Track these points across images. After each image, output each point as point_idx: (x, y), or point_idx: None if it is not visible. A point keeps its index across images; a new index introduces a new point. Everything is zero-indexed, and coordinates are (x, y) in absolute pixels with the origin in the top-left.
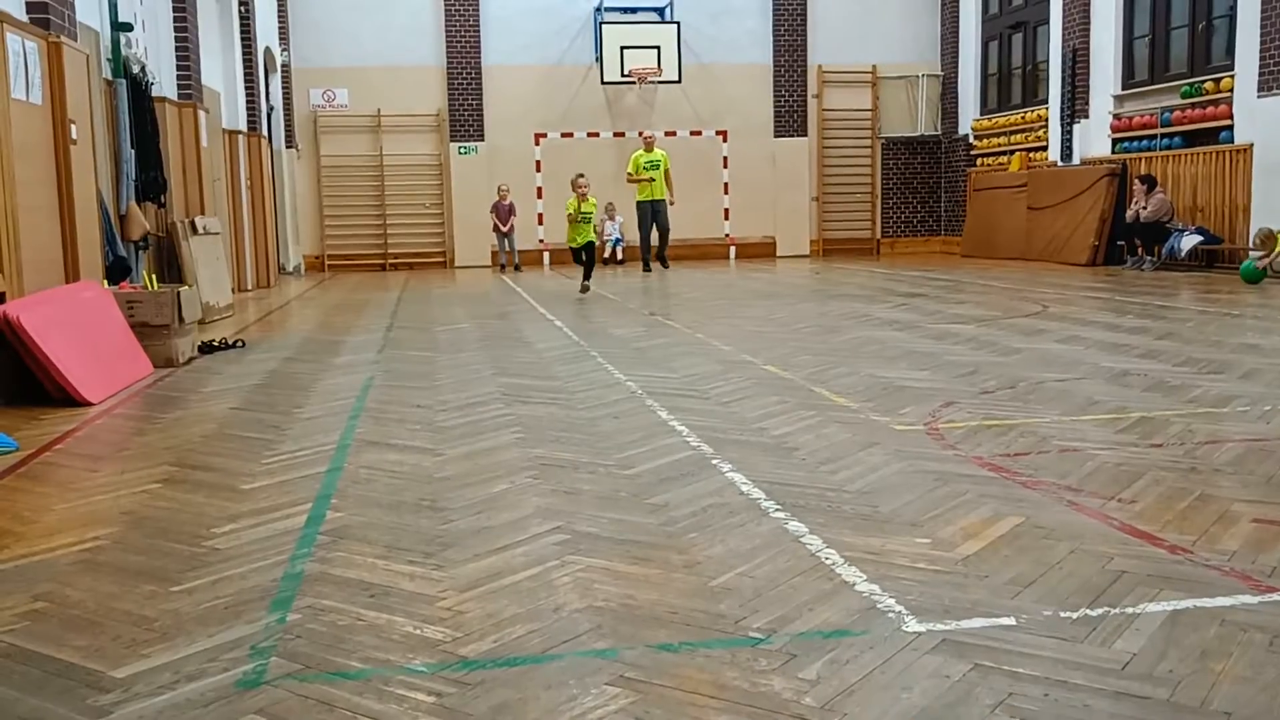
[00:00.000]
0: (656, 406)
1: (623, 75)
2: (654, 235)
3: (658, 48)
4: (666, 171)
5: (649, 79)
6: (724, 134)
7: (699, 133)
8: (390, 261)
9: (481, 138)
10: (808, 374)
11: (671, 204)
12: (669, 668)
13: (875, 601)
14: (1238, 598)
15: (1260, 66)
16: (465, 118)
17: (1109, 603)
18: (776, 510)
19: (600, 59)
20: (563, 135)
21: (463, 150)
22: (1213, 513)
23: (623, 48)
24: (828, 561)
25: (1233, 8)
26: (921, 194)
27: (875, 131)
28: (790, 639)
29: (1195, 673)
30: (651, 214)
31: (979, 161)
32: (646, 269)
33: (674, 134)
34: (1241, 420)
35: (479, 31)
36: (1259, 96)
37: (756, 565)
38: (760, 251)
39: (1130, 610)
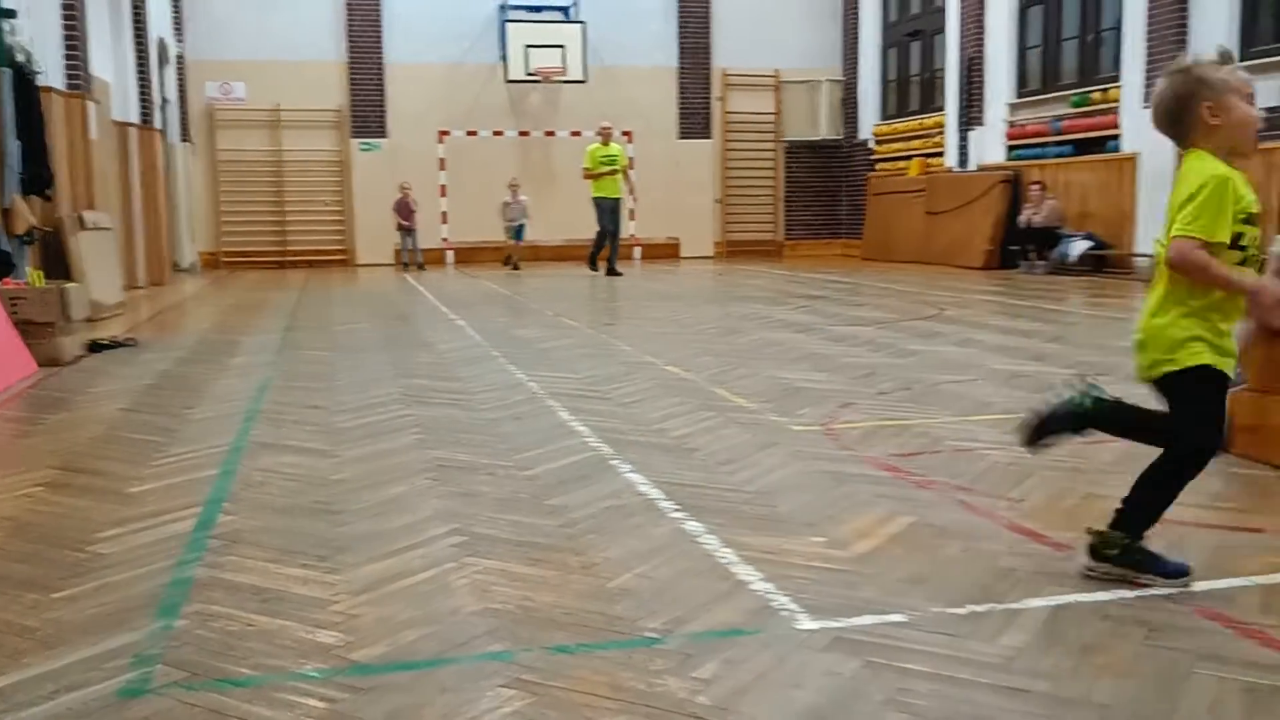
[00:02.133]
0: (557, 408)
1: (527, 74)
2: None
3: (563, 47)
4: (624, 168)
5: (554, 78)
6: (629, 135)
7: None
8: (289, 259)
9: (384, 134)
10: (709, 375)
11: (635, 201)
12: (565, 669)
13: (770, 601)
14: (1116, 592)
15: (1146, 78)
16: (367, 114)
17: (996, 599)
18: (675, 511)
19: (505, 57)
20: (467, 133)
21: (364, 147)
22: (1096, 510)
23: (527, 46)
24: (724, 561)
25: (1119, 21)
26: (823, 197)
27: (778, 135)
28: (686, 639)
29: (1076, 666)
30: (613, 211)
31: (879, 166)
32: (613, 271)
33: (579, 134)
34: None
35: (381, 27)
36: (1144, 107)
37: (654, 566)
38: (664, 253)
39: (1016, 606)
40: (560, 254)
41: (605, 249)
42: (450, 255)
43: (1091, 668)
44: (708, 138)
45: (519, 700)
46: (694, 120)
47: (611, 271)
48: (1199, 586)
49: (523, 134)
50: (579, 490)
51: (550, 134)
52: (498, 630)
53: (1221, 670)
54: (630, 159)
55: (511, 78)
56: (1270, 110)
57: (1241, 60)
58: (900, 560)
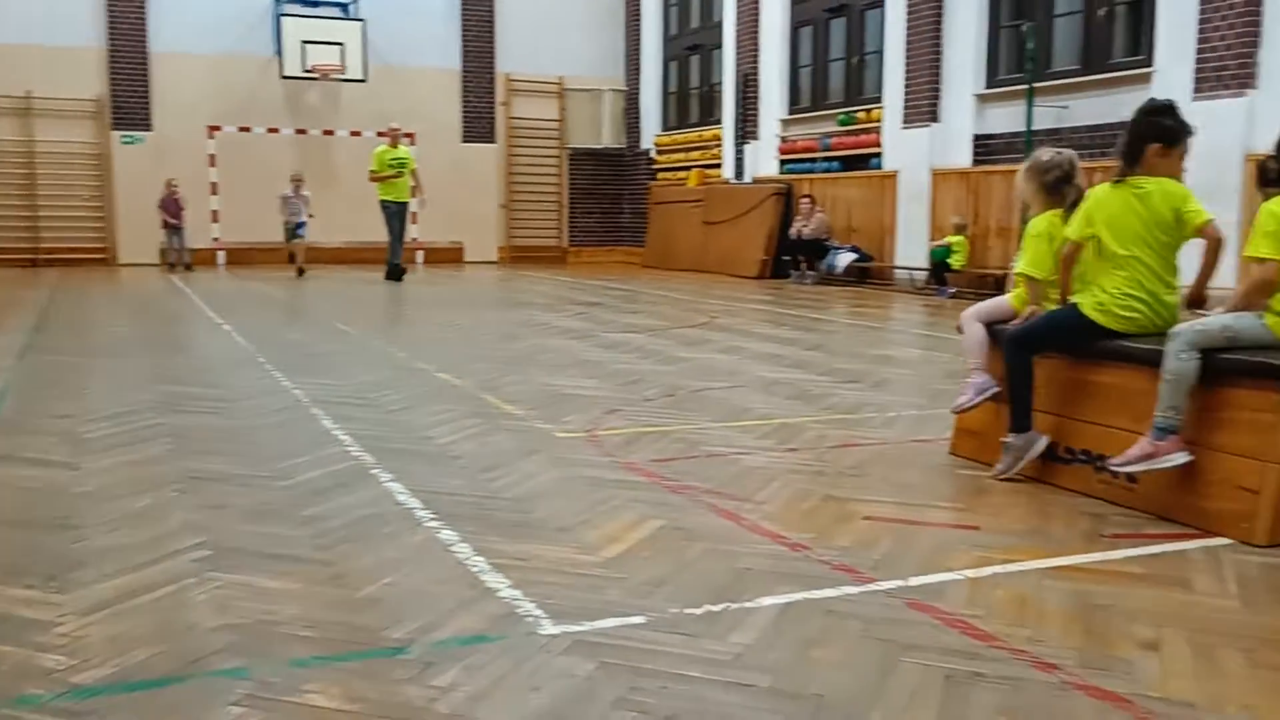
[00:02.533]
0: (321, 415)
1: (304, 71)
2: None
3: (342, 44)
4: (413, 171)
5: (332, 76)
6: (411, 136)
7: (385, 135)
8: (43, 257)
9: (148, 127)
10: (480, 381)
11: (424, 204)
12: (301, 683)
13: (516, 607)
14: (842, 589)
15: (905, 100)
16: (130, 105)
17: (731, 598)
18: (431, 519)
19: (280, 52)
20: (240, 129)
21: (126, 139)
22: (832, 512)
23: (304, 42)
24: (474, 569)
25: (882, 46)
26: (606, 205)
27: (562, 142)
28: (428, 647)
29: (797, 660)
30: (400, 216)
31: (660, 176)
32: (395, 275)
33: (359, 134)
34: (868, 426)
35: (146, 13)
36: (903, 128)
37: (403, 575)
38: (448, 257)
39: (749, 605)
40: (340, 256)
41: (400, 251)
42: (222, 256)
43: (811, 661)
44: (492, 142)
45: (249, 717)
46: (478, 124)
47: (393, 275)
48: (914, 581)
49: (300, 132)
50: (335, 500)
51: (329, 133)
52: (235, 646)
53: (925, 659)
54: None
55: (288, 73)
56: (1011, 136)
57: (987, 87)
58: (646, 563)
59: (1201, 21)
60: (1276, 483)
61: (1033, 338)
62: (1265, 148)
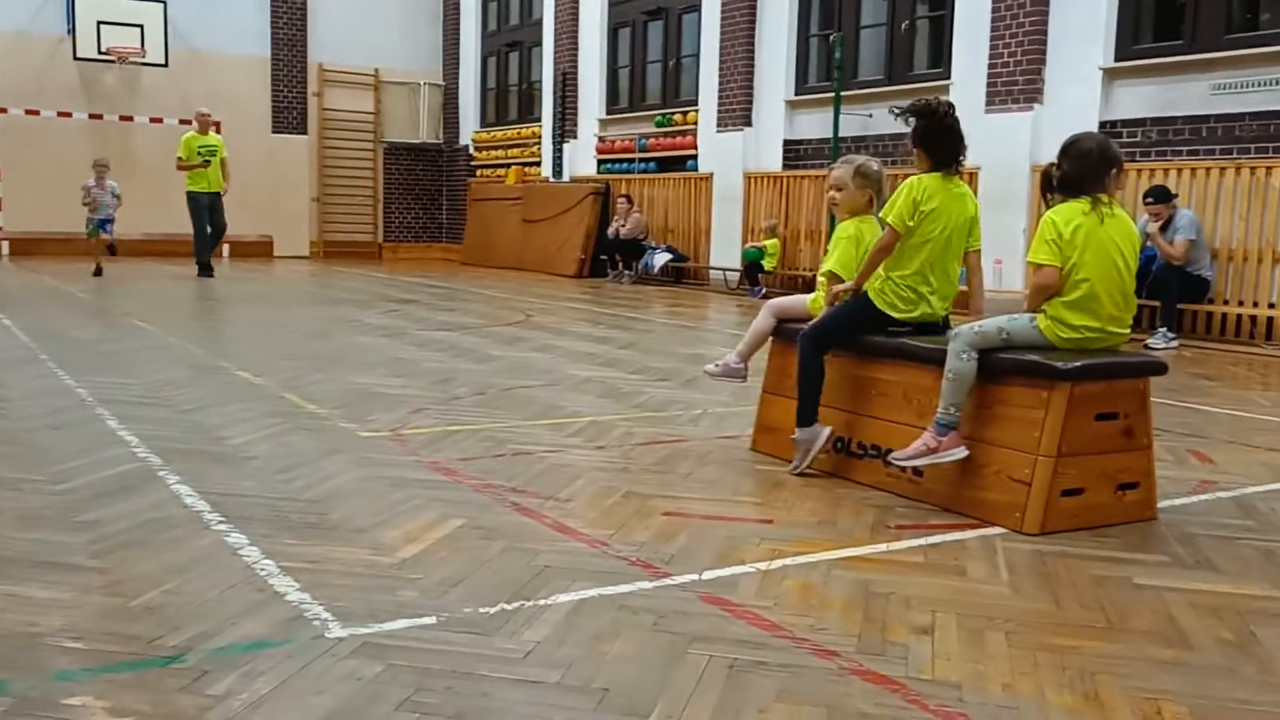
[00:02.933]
0: (107, 415)
1: (100, 53)
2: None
3: (141, 26)
4: (223, 160)
5: (131, 60)
6: (217, 125)
7: (189, 121)
8: None
9: None
10: (282, 380)
11: (226, 193)
12: (63, 697)
13: (304, 610)
14: (637, 584)
15: (719, 104)
16: None
17: (526, 596)
18: (220, 523)
19: (73, 31)
20: (27, 112)
21: None
22: (634, 508)
23: (100, 22)
24: (263, 573)
25: (698, 49)
26: (424, 200)
27: (378, 136)
28: (206, 655)
29: (586, 655)
30: (208, 208)
31: (479, 172)
32: (206, 272)
33: (160, 121)
34: (675, 424)
35: None
36: (718, 131)
37: (186, 581)
38: (256, 251)
39: (544, 602)
40: (139, 249)
41: (211, 244)
42: (4, 246)
43: (600, 655)
44: (304, 134)
45: None
46: (289, 115)
47: (205, 272)
48: (708, 575)
49: (94, 117)
50: (116, 504)
51: (128, 119)
52: None
53: (712, 649)
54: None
55: (82, 55)
56: (819, 141)
57: (797, 94)
58: (443, 563)
59: (993, 39)
60: (1044, 475)
61: (827, 333)
62: (1050, 159)
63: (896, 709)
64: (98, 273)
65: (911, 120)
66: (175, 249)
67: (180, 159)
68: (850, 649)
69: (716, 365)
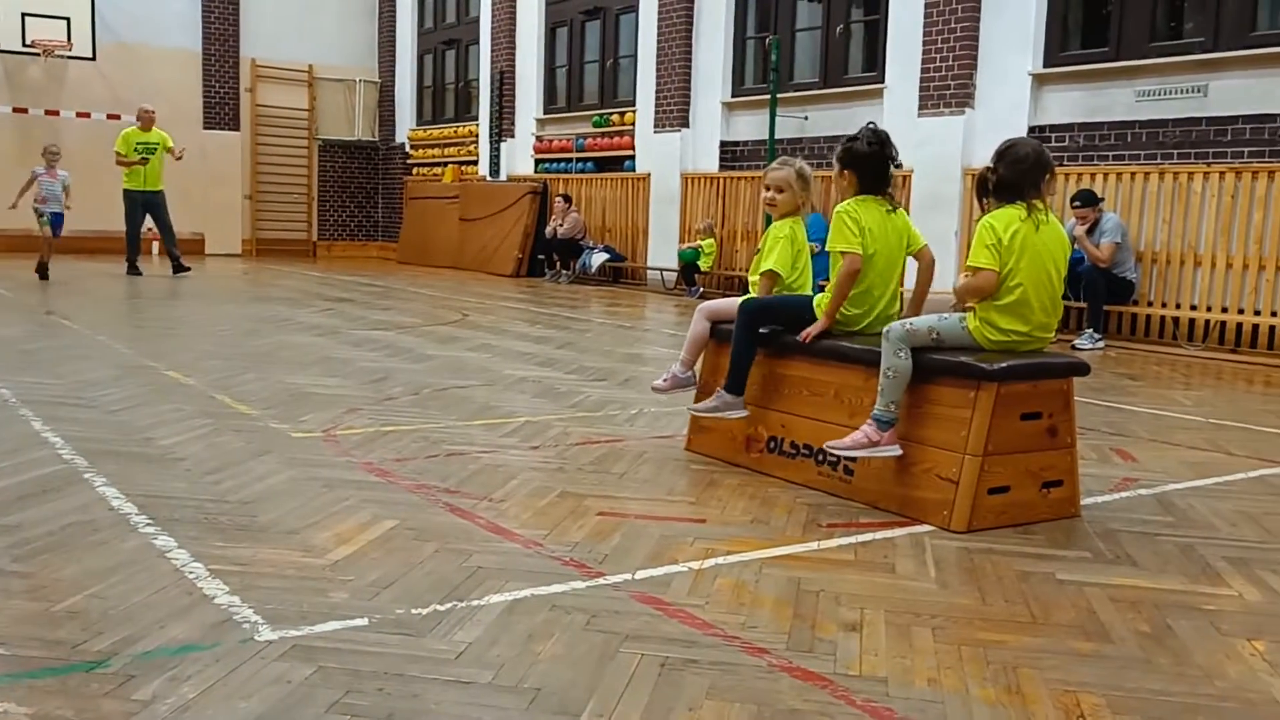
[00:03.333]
0: (30, 416)
1: (24, 45)
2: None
3: (68, 19)
4: (170, 149)
5: (56, 52)
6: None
7: (117, 116)
8: None
9: None
10: (212, 380)
11: (178, 157)
12: None
13: (233, 613)
14: (570, 584)
15: (656, 105)
16: None
17: (458, 597)
18: (147, 525)
19: None
20: None
21: None
22: (568, 508)
23: (24, 14)
24: (191, 576)
25: (635, 50)
26: (359, 198)
27: (312, 132)
28: (132, 660)
29: (519, 655)
30: (144, 206)
31: (415, 171)
32: (136, 270)
33: (88, 116)
34: (611, 423)
35: None
36: (655, 132)
37: (111, 585)
38: (188, 249)
39: (477, 603)
40: (65, 246)
41: (169, 243)
42: None
43: (532, 655)
44: (236, 130)
45: None
46: (221, 111)
47: (175, 262)
48: (641, 574)
49: (19, 110)
50: (39, 507)
51: (53, 113)
52: None
53: (644, 648)
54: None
55: (4, 47)
56: (756, 143)
57: (733, 96)
58: (375, 564)
59: (925, 44)
60: (971, 473)
61: (764, 311)
62: (982, 162)
63: (825, 704)
64: (42, 274)
65: (856, 144)
66: (102, 246)
67: (119, 154)
68: (780, 646)
69: (664, 380)
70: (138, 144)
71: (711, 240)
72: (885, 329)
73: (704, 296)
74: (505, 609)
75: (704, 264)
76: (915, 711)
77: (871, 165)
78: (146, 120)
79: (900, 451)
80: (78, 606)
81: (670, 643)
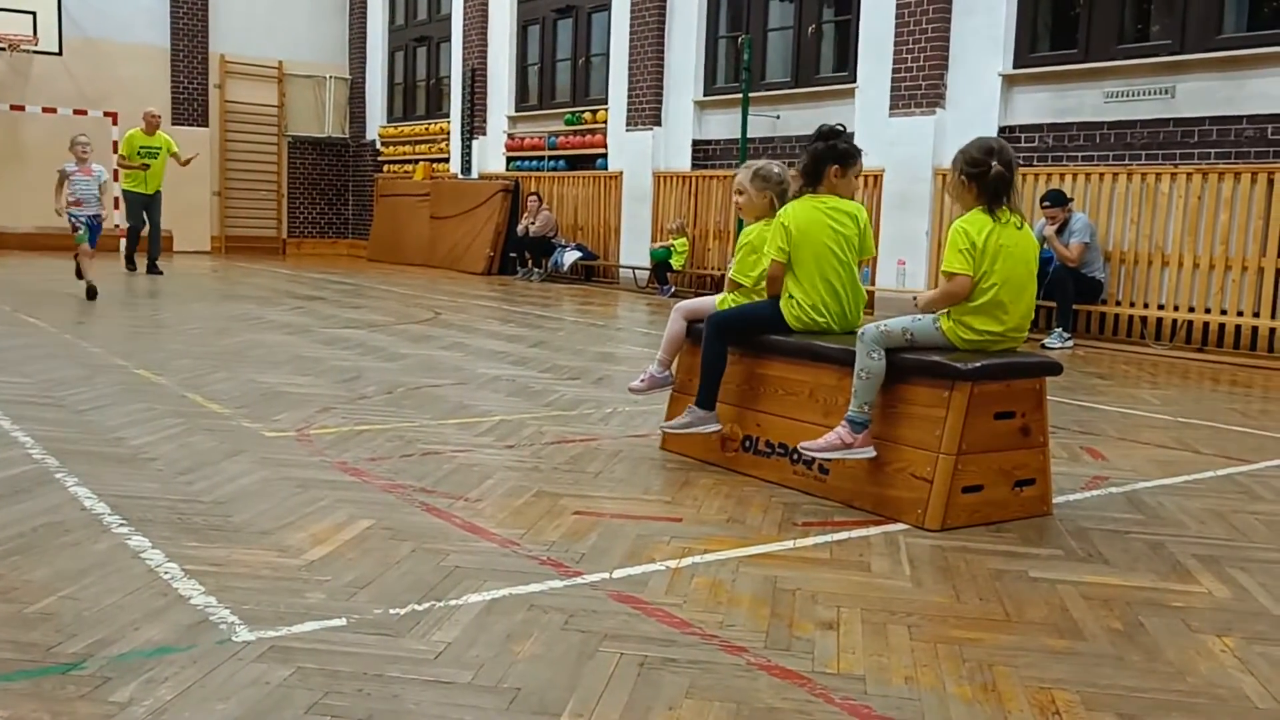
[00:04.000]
0: None
1: None
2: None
3: (34, 13)
4: (174, 153)
5: (22, 47)
6: (114, 116)
7: (84, 112)
8: None
9: None
10: (183, 379)
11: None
12: None
13: (209, 615)
14: (548, 583)
15: (629, 104)
16: None
17: (436, 597)
18: (120, 525)
19: None
20: None
21: None
22: (544, 507)
23: None
24: (166, 577)
25: (608, 48)
26: (330, 195)
27: (282, 129)
28: (107, 662)
29: (497, 654)
30: (144, 207)
31: (386, 168)
32: (133, 266)
33: (54, 111)
34: (585, 422)
35: None
36: (628, 130)
37: (84, 586)
38: None
39: (454, 603)
40: (30, 242)
41: (142, 244)
42: None
43: (511, 655)
44: (205, 126)
45: None
46: (189, 107)
47: (152, 265)
48: (618, 573)
49: None
50: (10, 507)
51: (19, 108)
52: None
53: (623, 647)
54: (114, 143)
55: None
56: (728, 142)
57: (705, 94)
58: (351, 565)
59: (897, 44)
60: (945, 472)
61: (731, 325)
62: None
63: (803, 702)
64: (90, 294)
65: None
66: (68, 243)
67: (121, 156)
68: (758, 645)
69: (641, 380)
70: (141, 147)
71: (684, 239)
72: (860, 330)
73: (677, 295)
74: (483, 609)
75: (676, 263)
76: (893, 709)
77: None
78: (151, 124)
79: (874, 453)
80: (50, 608)
81: (649, 642)
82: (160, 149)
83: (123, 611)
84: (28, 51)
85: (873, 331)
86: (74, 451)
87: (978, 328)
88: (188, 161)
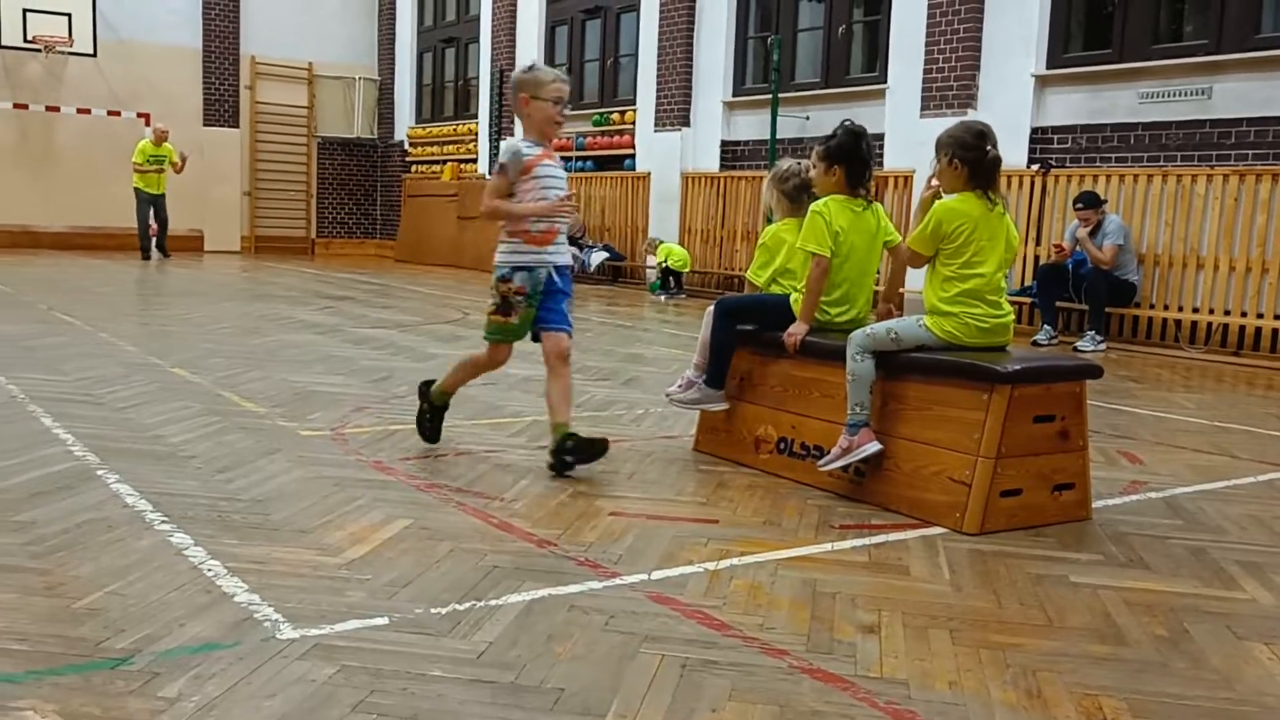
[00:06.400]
0: (40, 413)
1: (25, 41)
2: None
3: (69, 15)
4: (174, 163)
5: (57, 48)
6: (146, 117)
7: (117, 113)
8: None
9: None
10: (217, 378)
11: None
12: (8, 700)
13: (253, 612)
14: (587, 584)
15: (657, 104)
16: None
17: (476, 597)
18: (162, 523)
19: None
20: None
21: None
22: (579, 508)
23: (26, 10)
24: (209, 574)
25: (636, 49)
26: (358, 196)
27: (312, 130)
28: (155, 658)
29: (540, 655)
30: (150, 204)
31: (414, 168)
32: (147, 256)
33: (88, 112)
34: (618, 424)
35: None
36: (656, 131)
37: (130, 583)
38: (186, 245)
39: (494, 602)
40: (64, 241)
41: (160, 234)
42: None
43: (553, 656)
44: (235, 127)
45: None
46: (220, 108)
47: (161, 250)
48: (656, 574)
49: (19, 106)
50: (54, 504)
51: (54, 109)
52: None
53: (664, 649)
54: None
55: (6, 43)
56: (757, 143)
57: (734, 95)
58: (390, 564)
59: (928, 44)
60: (984, 476)
61: (740, 310)
62: None
63: (847, 706)
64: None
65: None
66: (100, 242)
67: (135, 163)
68: (799, 648)
69: (678, 385)
70: (150, 156)
71: (667, 245)
72: (850, 335)
73: (678, 295)
74: (523, 609)
75: (678, 267)
76: (938, 714)
77: (856, 161)
78: (159, 138)
79: (880, 446)
80: (97, 604)
81: (689, 644)
82: (164, 158)
83: (168, 608)
84: (63, 53)
85: (859, 336)
86: (114, 449)
87: (959, 313)
88: (180, 169)
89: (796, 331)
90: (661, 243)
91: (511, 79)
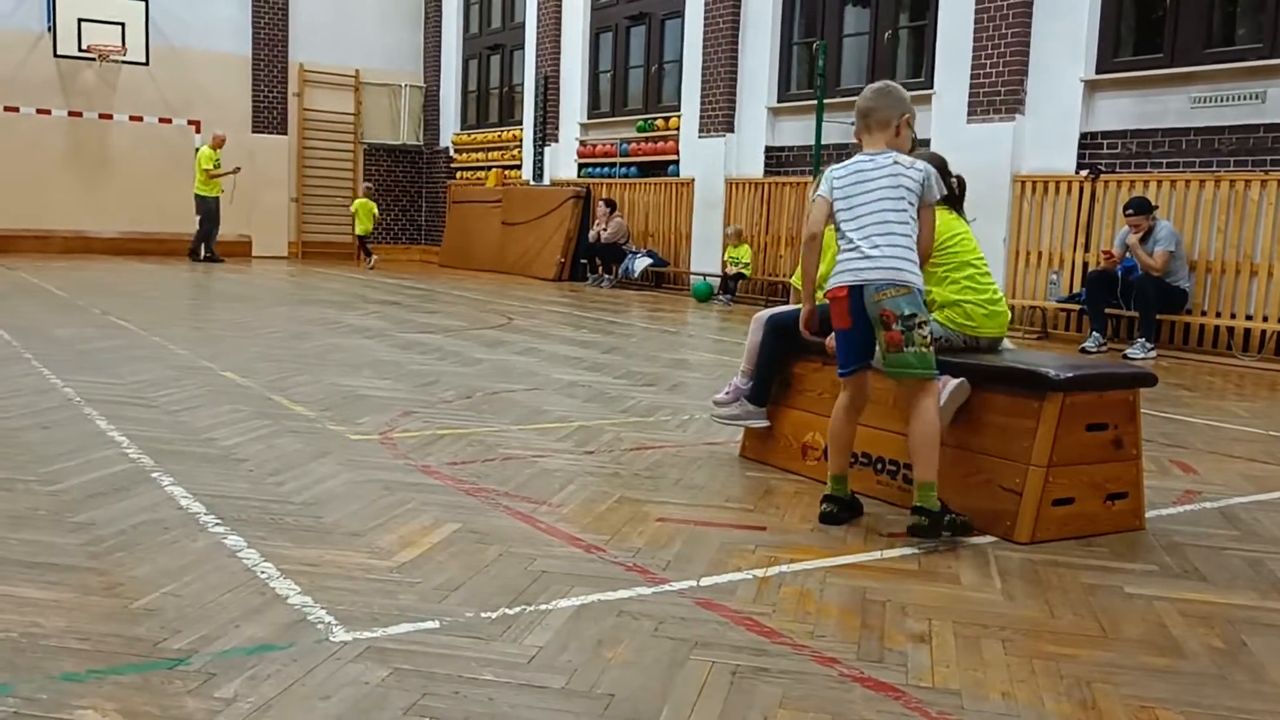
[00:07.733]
0: (95, 415)
1: (80, 50)
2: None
3: (123, 24)
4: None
5: (111, 57)
6: (197, 124)
7: (168, 120)
8: None
9: None
10: (267, 381)
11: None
12: (71, 699)
13: (306, 614)
14: (635, 590)
15: (701, 110)
16: None
17: (526, 601)
18: (216, 524)
19: (54, 28)
20: (5, 109)
21: None
22: (626, 514)
23: (81, 20)
24: (263, 575)
25: (680, 55)
26: (403, 202)
27: (358, 136)
28: (211, 658)
29: (589, 660)
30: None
31: (459, 174)
32: (215, 259)
33: (140, 119)
34: (663, 429)
35: None
36: (700, 137)
37: (185, 583)
38: (235, 250)
39: (544, 607)
40: (117, 247)
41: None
42: None
43: (603, 661)
44: (284, 134)
45: None
46: (269, 115)
47: (211, 255)
48: (704, 581)
49: (74, 114)
50: (111, 505)
51: (107, 116)
52: None
53: (713, 655)
54: (196, 149)
55: (62, 52)
56: (801, 149)
57: (779, 101)
58: (440, 567)
59: (975, 50)
60: (1035, 484)
61: (784, 323)
62: (1031, 169)
63: (898, 716)
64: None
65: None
66: (151, 248)
67: (207, 169)
68: (850, 656)
69: (726, 393)
70: (218, 161)
71: (745, 247)
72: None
73: (734, 302)
74: (573, 614)
75: (739, 268)
76: None
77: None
78: (218, 142)
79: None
80: (154, 604)
81: (739, 651)
82: (219, 161)
83: (223, 609)
84: (116, 61)
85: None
86: (168, 451)
87: (957, 298)
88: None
89: (803, 319)
90: (744, 240)
91: (892, 93)
